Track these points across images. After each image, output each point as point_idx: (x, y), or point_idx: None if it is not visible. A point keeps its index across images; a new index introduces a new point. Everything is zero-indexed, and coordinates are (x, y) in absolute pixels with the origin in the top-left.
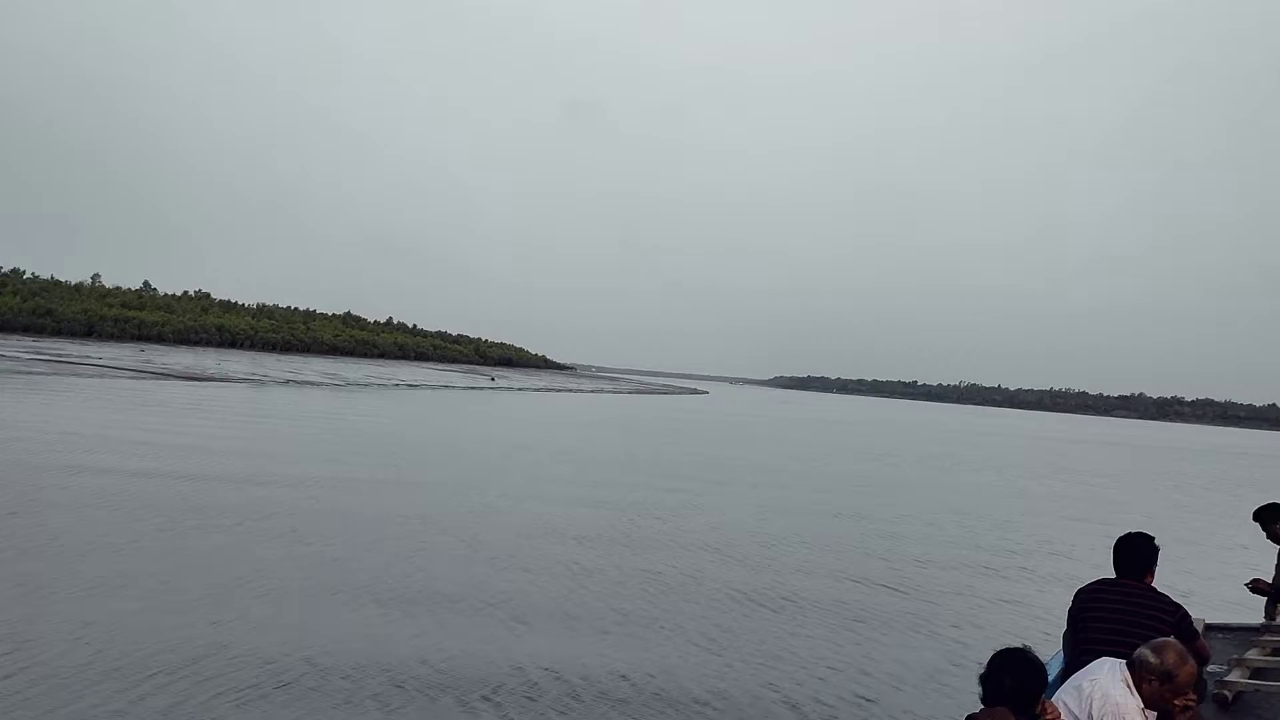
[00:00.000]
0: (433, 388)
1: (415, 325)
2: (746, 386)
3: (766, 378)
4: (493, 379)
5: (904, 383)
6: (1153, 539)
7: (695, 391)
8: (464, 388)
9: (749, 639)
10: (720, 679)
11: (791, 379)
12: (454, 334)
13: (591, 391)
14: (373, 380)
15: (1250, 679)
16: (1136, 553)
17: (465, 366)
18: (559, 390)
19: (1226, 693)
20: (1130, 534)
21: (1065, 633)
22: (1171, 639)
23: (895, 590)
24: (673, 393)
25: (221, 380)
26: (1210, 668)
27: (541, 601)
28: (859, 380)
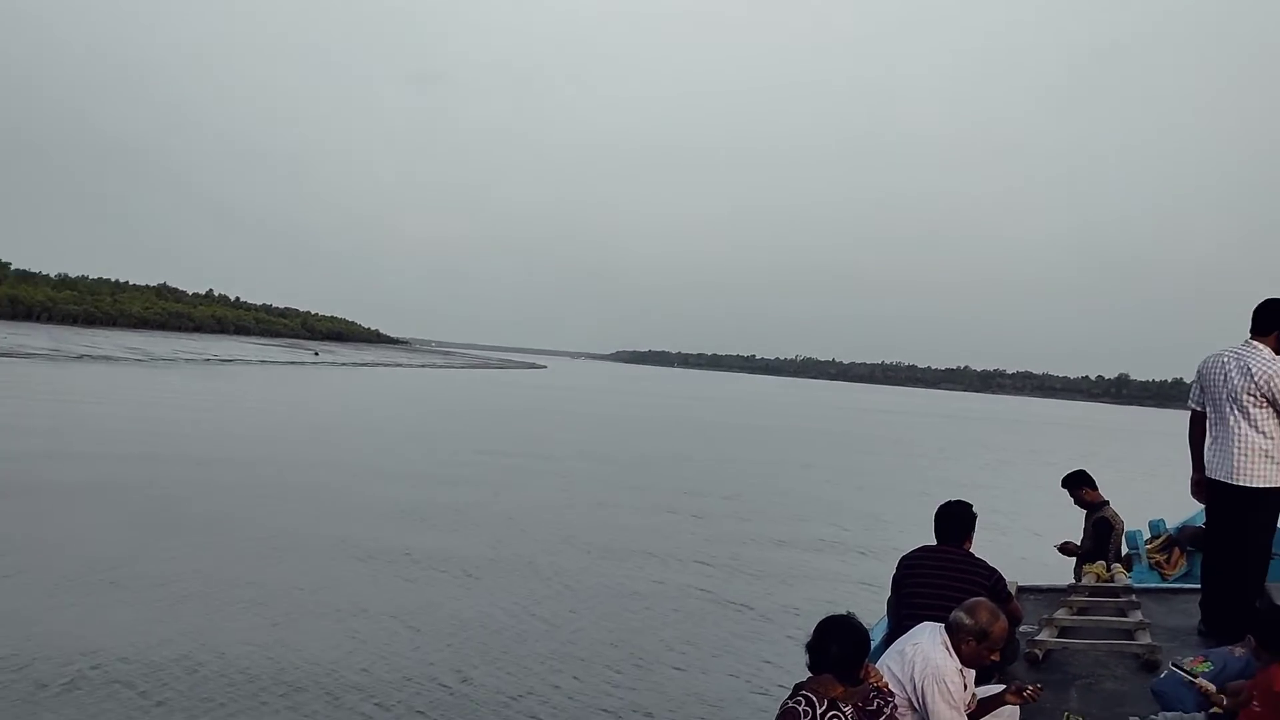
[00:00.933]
0: (247, 363)
1: (238, 298)
2: (588, 361)
3: (608, 352)
4: (316, 353)
5: (742, 357)
6: (970, 506)
7: (534, 366)
8: (283, 363)
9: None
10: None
11: (633, 354)
12: (280, 307)
13: (421, 366)
14: (181, 355)
15: (1059, 637)
16: (955, 520)
17: (290, 341)
18: (387, 365)
19: (1037, 651)
20: (949, 502)
21: (889, 599)
22: (982, 599)
23: (721, 567)
24: (510, 367)
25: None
26: (1023, 628)
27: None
28: (699, 355)
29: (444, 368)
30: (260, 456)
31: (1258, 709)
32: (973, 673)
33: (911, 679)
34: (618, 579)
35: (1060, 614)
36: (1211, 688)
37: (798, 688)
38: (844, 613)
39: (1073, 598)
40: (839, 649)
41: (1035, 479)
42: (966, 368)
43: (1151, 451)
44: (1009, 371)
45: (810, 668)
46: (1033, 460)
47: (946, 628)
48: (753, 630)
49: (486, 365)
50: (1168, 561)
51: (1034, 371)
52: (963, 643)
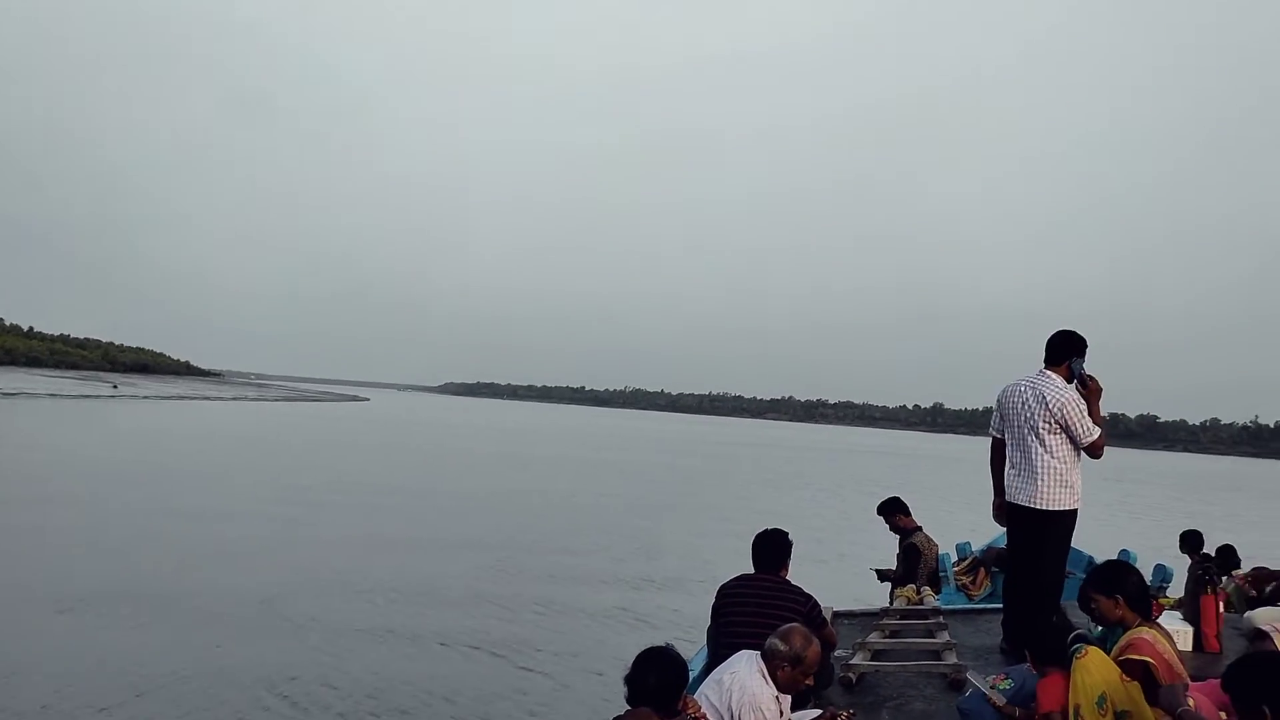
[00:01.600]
0: (33, 396)
1: (32, 328)
2: (416, 394)
3: (437, 384)
4: (115, 386)
5: (572, 388)
6: (786, 534)
7: (355, 399)
8: (75, 396)
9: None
10: None
11: (463, 385)
12: (79, 338)
13: (230, 400)
14: None
15: (871, 660)
16: (772, 548)
17: (87, 373)
18: (193, 399)
19: (851, 675)
20: (766, 530)
21: (709, 628)
22: (796, 625)
23: (520, 608)
24: (329, 400)
25: None
26: (838, 652)
27: None
28: (529, 386)
29: (255, 400)
30: None
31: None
32: (788, 698)
33: (729, 707)
34: (398, 623)
35: (873, 637)
36: (1001, 700)
37: None
38: (662, 644)
39: (885, 621)
40: (657, 680)
41: (852, 507)
42: (791, 398)
43: (962, 477)
44: (831, 401)
45: (628, 700)
46: (850, 489)
47: (762, 654)
48: (557, 673)
49: (303, 398)
50: (974, 583)
51: (855, 401)
52: (778, 669)
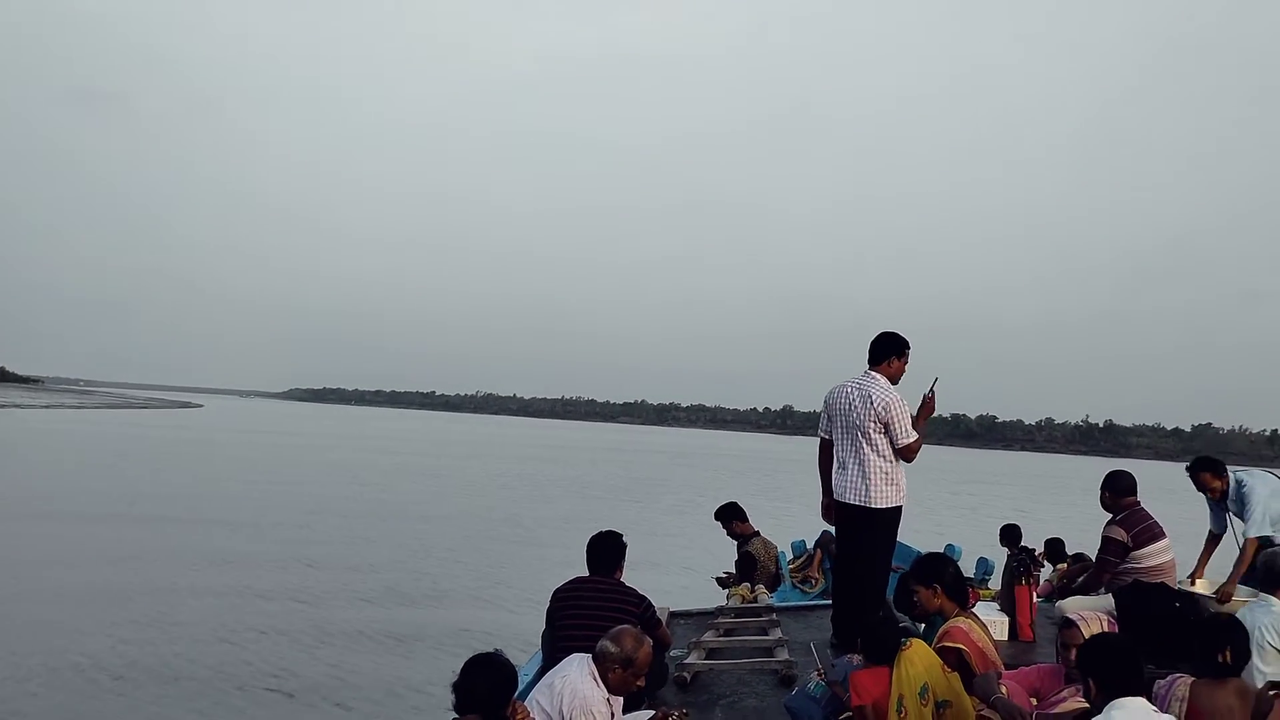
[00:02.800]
0: None
1: None
2: (257, 400)
3: (281, 390)
4: None
5: (422, 393)
6: (620, 536)
7: (187, 405)
8: None
9: None
10: None
11: (308, 391)
12: None
13: (44, 407)
14: None
15: (706, 659)
16: (606, 550)
17: None
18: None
19: (685, 674)
20: (601, 533)
21: (544, 632)
22: (627, 626)
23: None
24: (157, 407)
25: None
26: (673, 652)
27: None
28: (377, 392)
29: (75, 408)
30: None
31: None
32: (620, 700)
33: (560, 711)
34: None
35: (708, 636)
36: (838, 680)
37: None
38: (491, 650)
39: (720, 620)
40: (486, 687)
41: (696, 511)
42: (644, 401)
43: (802, 477)
44: (684, 405)
45: (456, 709)
46: (695, 492)
47: (594, 657)
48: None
49: (128, 405)
50: (810, 569)
51: (707, 405)
52: (609, 671)
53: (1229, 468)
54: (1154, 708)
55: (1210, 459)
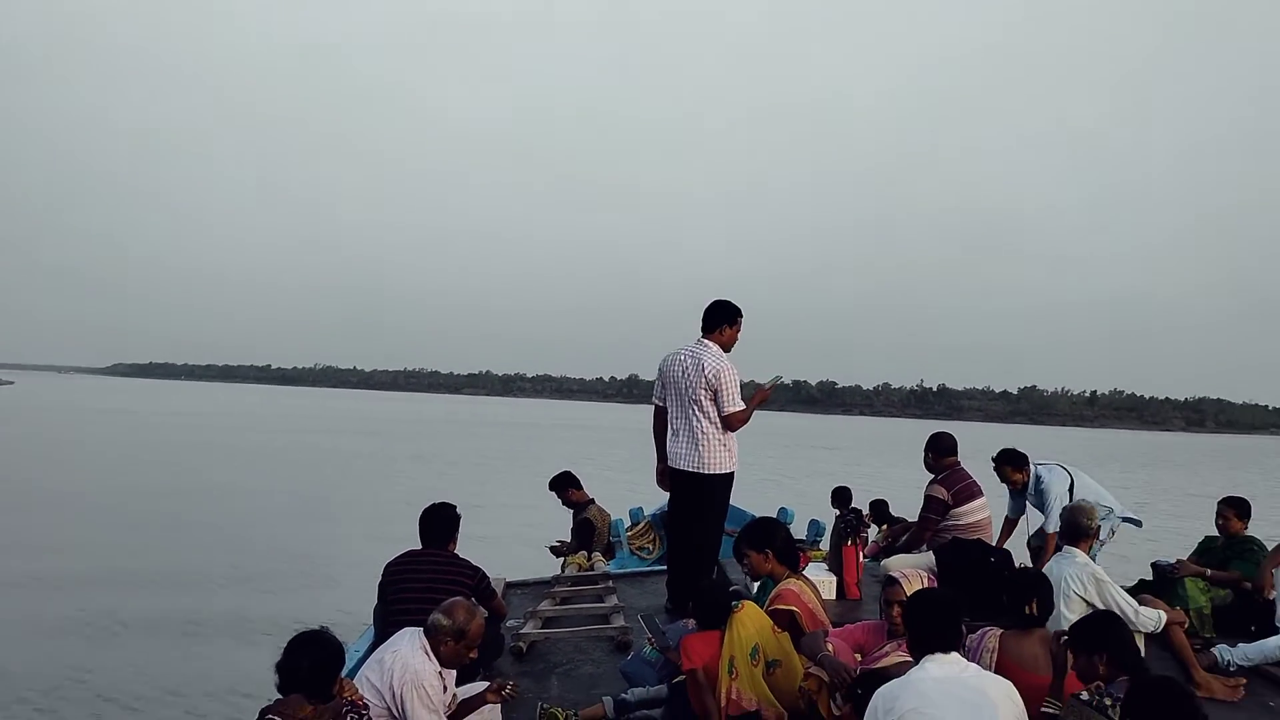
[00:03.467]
0: None
1: None
2: (77, 376)
3: (105, 365)
4: None
5: (257, 366)
6: (454, 507)
7: None
8: None
9: None
10: None
11: (134, 366)
12: None
13: None
14: None
15: (542, 629)
16: (439, 522)
17: None
18: None
19: (521, 644)
20: (433, 505)
21: (375, 607)
22: (459, 598)
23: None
24: None
25: None
26: (510, 622)
27: None
28: (209, 366)
29: None
30: None
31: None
32: (453, 673)
33: (390, 687)
34: None
35: (544, 605)
36: (670, 645)
37: (263, 712)
38: (316, 628)
39: (556, 589)
40: (310, 665)
41: (533, 481)
42: (489, 372)
43: (648, 445)
44: (529, 375)
45: (280, 689)
46: (534, 462)
47: (425, 630)
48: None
49: None
50: (651, 544)
51: (553, 375)
52: (441, 644)
53: (1031, 461)
54: (964, 660)
55: (1014, 453)
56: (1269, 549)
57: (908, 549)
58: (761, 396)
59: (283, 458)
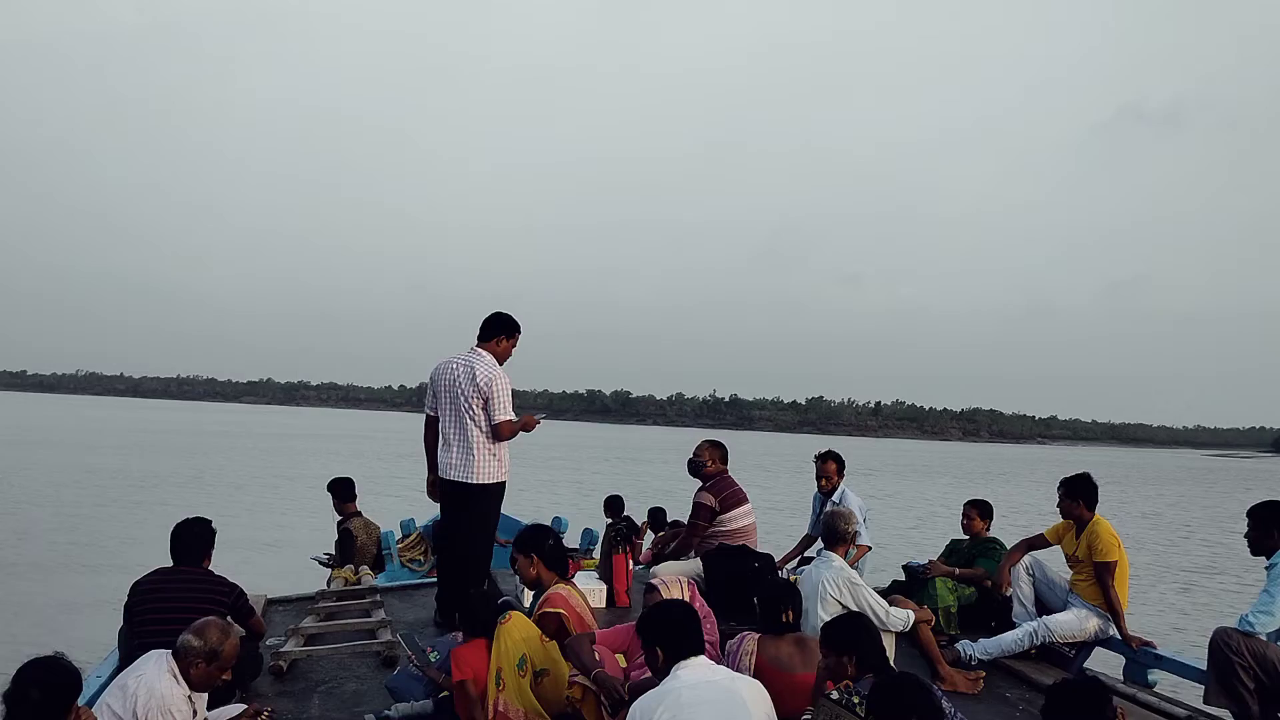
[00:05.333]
0: None
1: None
2: None
3: None
4: None
5: (10, 372)
6: (209, 522)
7: None
8: None
9: None
10: None
11: None
12: None
13: None
14: None
15: (305, 646)
16: (193, 537)
17: None
18: None
19: (282, 663)
20: (186, 520)
21: (121, 629)
22: (211, 618)
23: None
24: None
25: None
26: (269, 640)
27: None
28: None
29: None
30: None
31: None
32: (204, 697)
33: (134, 712)
34: None
35: (308, 622)
36: (431, 663)
37: None
38: (50, 653)
39: (320, 604)
40: (41, 694)
41: (302, 495)
42: (270, 380)
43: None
44: (313, 383)
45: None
46: (308, 475)
47: (174, 653)
48: None
49: None
50: (423, 555)
51: (339, 383)
52: (192, 666)
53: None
54: (712, 663)
55: (839, 455)
56: (1009, 548)
57: (677, 555)
58: (528, 422)
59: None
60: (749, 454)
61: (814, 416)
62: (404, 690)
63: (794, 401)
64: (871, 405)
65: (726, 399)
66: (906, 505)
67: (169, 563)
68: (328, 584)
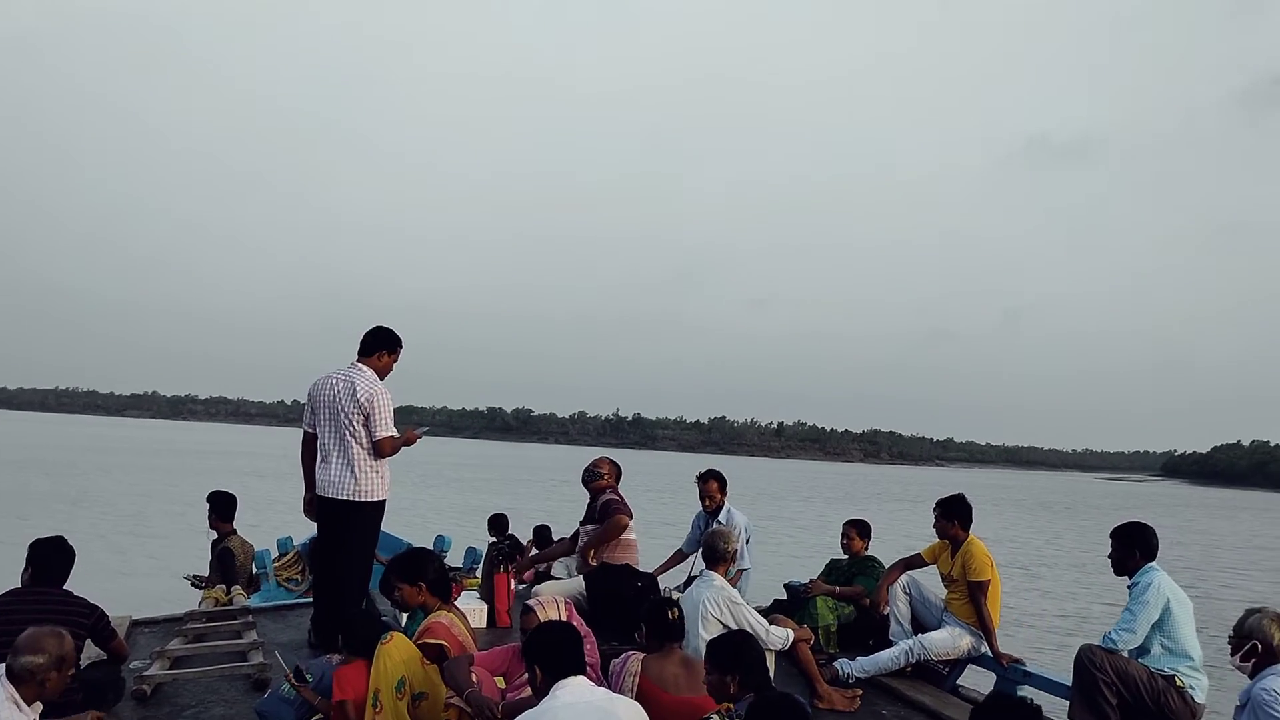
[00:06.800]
0: None
1: None
2: None
3: None
4: None
5: None
6: (65, 541)
7: None
8: None
9: None
10: None
11: None
12: None
13: None
14: None
15: (171, 669)
16: (51, 557)
17: None
18: None
19: (145, 687)
20: (42, 540)
21: None
22: (33, 629)
23: None
24: None
25: None
26: (133, 664)
27: None
28: None
29: None
30: None
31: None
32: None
33: None
34: None
35: (174, 644)
36: (307, 685)
37: None
38: None
39: (189, 625)
40: None
41: (177, 514)
42: (155, 393)
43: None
44: (202, 397)
45: None
46: (182, 490)
47: (12, 677)
48: None
49: None
50: (296, 576)
51: (229, 396)
52: (45, 681)
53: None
54: (591, 683)
55: (721, 474)
56: (887, 567)
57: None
58: (409, 437)
59: None
60: (656, 473)
61: (717, 436)
62: (274, 714)
63: (697, 421)
64: (774, 426)
65: (630, 418)
66: (801, 524)
67: (19, 584)
68: (199, 605)
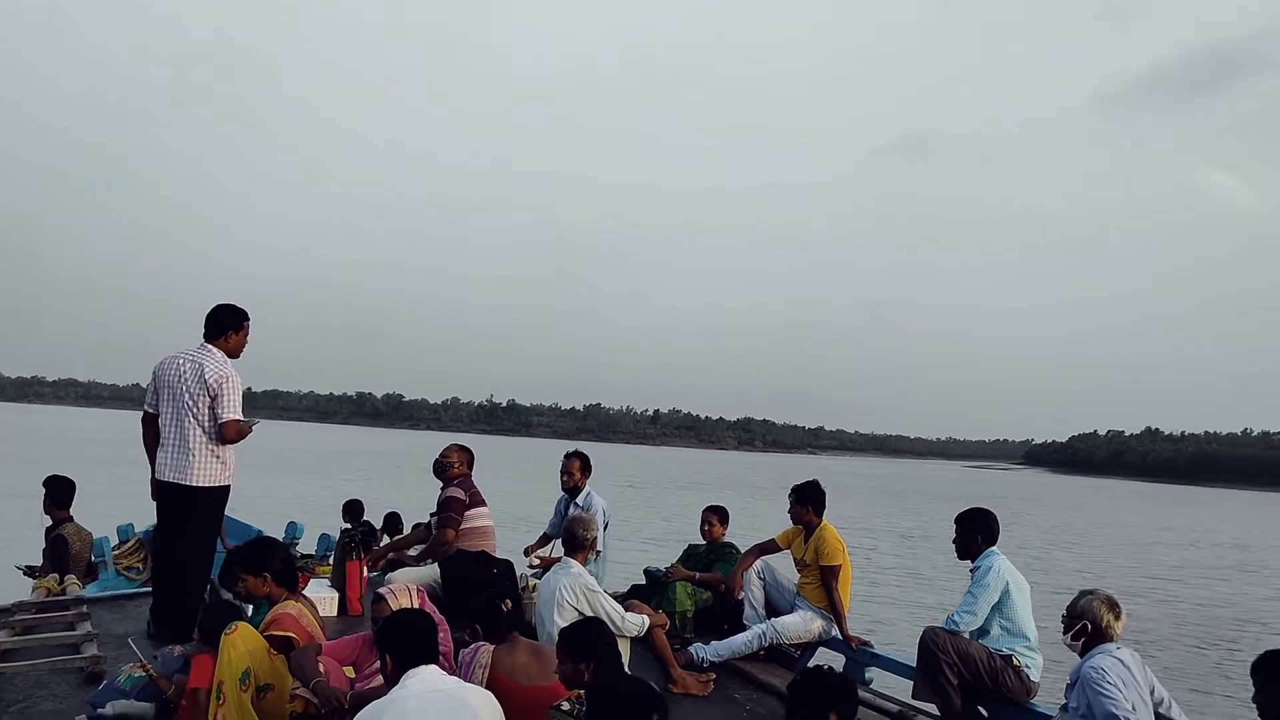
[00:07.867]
0: None
1: None
2: None
3: None
4: None
5: None
6: None
7: None
8: None
9: None
10: None
11: None
12: None
13: None
14: None
15: None
16: None
17: None
18: None
19: None
20: None
21: None
22: None
23: None
24: None
25: None
26: None
27: None
28: None
29: None
30: None
31: (185, 703)
32: None
33: None
34: None
35: (2, 636)
36: (159, 673)
37: None
38: None
39: (17, 617)
40: None
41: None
42: None
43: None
44: (50, 379)
45: None
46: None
47: None
48: None
49: None
50: (137, 564)
51: (80, 379)
52: None
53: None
54: (443, 672)
55: (586, 455)
56: (743, 553)
57: (422, 560)
58: (242, 430)
59: None
60: (529, 459)
61: (592, 424)
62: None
63: (573, 408)
64: (650, 413)
65: (504, 404)
66: (663, 512)
67: None
68: (30, 594)
